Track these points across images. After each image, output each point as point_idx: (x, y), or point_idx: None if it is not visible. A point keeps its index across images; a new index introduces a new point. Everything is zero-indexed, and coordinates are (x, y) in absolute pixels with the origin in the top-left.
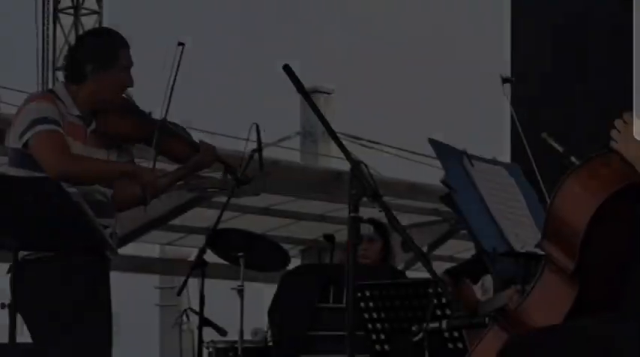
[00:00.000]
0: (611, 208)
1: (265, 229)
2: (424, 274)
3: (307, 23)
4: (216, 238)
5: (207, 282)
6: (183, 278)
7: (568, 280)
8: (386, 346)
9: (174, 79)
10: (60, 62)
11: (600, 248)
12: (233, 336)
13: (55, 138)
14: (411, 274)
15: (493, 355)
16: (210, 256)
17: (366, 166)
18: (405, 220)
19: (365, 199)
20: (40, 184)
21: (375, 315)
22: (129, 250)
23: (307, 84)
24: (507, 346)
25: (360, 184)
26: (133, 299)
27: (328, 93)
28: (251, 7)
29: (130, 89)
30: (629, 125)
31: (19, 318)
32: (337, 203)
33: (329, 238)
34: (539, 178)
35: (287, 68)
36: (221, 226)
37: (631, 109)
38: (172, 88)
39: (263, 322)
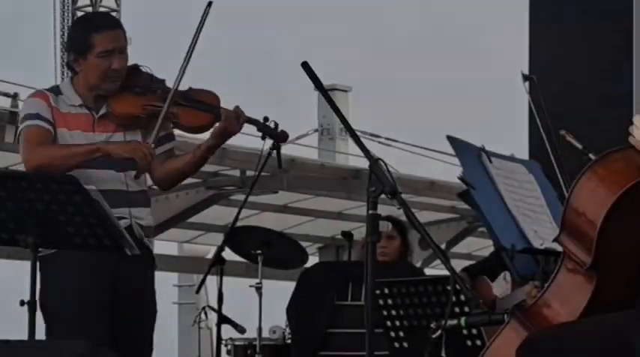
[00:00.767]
0: (628, 202)
1: (283, 226)
2: (442, 272)
3: (325, 21)
4: (235, 236)
5: (226, 280)
6: (201, 276)
7: (585, 275)
8: (405, 344)
9: (197, 38)
10: None
11: (617, 243)
12: (251, 333)
13: (30, 133)
14: (429, 271)
15: (511, 351)
16: (229, 254)
17: (384, 163)
18: (423, 217)
19: (383, 196)
20: (59, 182)
21: (393, 312)
22: None
23: (325, 81)
24: (526, 343)
25: (378, 181)
26: None
27: (346, 90)
28: (272, 4)
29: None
30: None
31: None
32: (355, 201)
33: (347, 235)
34: (558, 175)
35: (306, 66)
36: (239, 224)
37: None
38: (191, 51)
39: (281, 320)
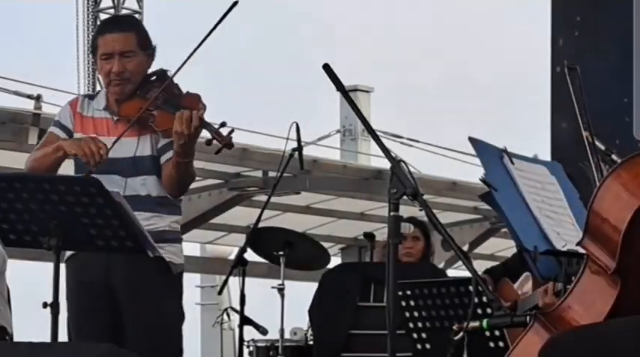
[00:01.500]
0: None
1: (305, 227)
2: (465, 273)
3: (347, 21)
4: (257, 237)
5: (248, 281)
6: (224, 277)
7: (609, 279)
8: (427, 345)
9: (209, 34)
10: None
11: None
12: (273, 335)
13: (43, 139)
14: (451, 272)
15: (534, 353)
16: (251, 255)
17: (406, 164)
18: (445, 218)
19: (405, 197)
20: (81, 184)
21: (415, 314)
22: None
23: (346, 82)
24: (549, 345)
25: (400, 183)
26: None
27: (368, 91)
28: (292, 6)
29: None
30: None
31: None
32: (377, 201)
33: (369, 236)
34: (594, 172)
35: (327, 67)
36: (261, 224)
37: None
38: (198, 46)
39: (303, 321)
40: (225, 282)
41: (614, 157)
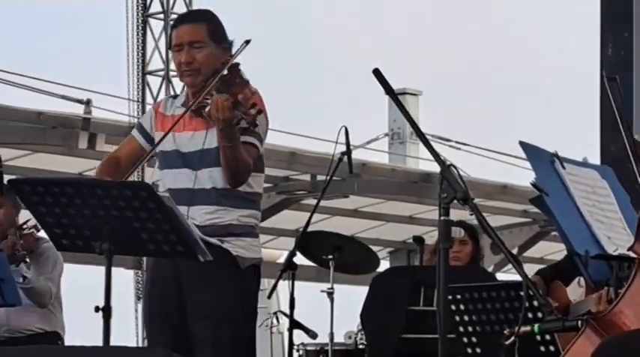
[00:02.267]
0: None
1: (354, 231)
2: (515, 276)
3: (395, 25)
4: (306, 241)
5: (297, 284)
6: (272, 280)
7: None
8: (477, 349)
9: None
10: (150, 67)
11: None
12: (323, 339)
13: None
14: (501, 276)
15: None
16: (299, 259)
17: (456, 168)
18: (494, 221)
19: (455, 201)
20: (133, 189)
21: (466, 318)
22: None
23: (395, 85)
24: (600, 349)
25: (450, 187)
26: None
27: (416, 94)
28: (340, 10)
29: None
30: None
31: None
32: (426, 205)
33: (418, 240)
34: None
35: (377, 72)
36: (309, 228)
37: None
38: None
39: (353, 325)
40: (275, 286)
41: None
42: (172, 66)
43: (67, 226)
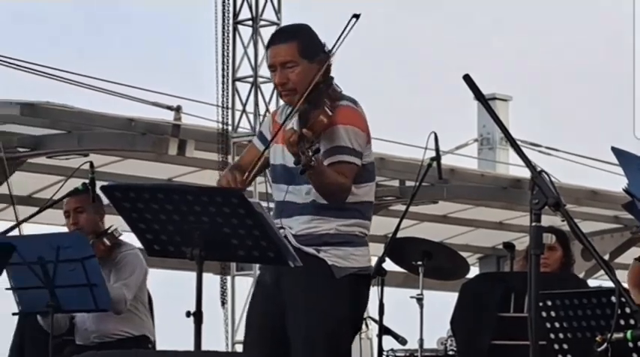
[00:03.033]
0: None
1: (443, 237)
2: (606, 283)
3: (484, 30)
4: (395, 247)
5: (386, 290)
6: None
7: None
8: (568, 356)
9: (336, 48)
10: (239, 73)
11: None
12: (412, 345)
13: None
14: (591, 282)
15: None
16: (388, 265)
17: (547, 174)
18: (585, 227)
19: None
20: (223, 195)
21: (557, 324)
22: None
23: (485, 91)
24: None
25: (541, 193)
26: None
27: (506, 99)
28: (433, 16)
29: None
30: None
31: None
32: (516, 211)
33: (509, 246)
34: None
35: (467, 78)
36: (398, 234)
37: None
38: (327, 61)
39: (443, 331)
40: None
41: None
42: (261, 72)
43: (159, 231)
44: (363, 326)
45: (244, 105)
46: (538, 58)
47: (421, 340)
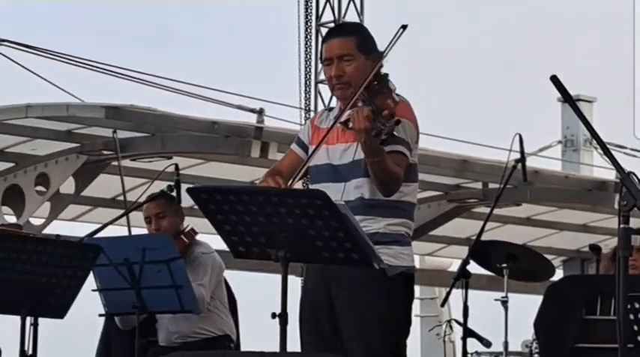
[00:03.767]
0: None
1: (526, 239)
2: None
3: (568, 31)
4: (480, 250)
5: (470, 293)
6: (442, 289)
7: None
8: None
9: (383, 57)
10: (322, 76)
11: None
12: (497, 347)
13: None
14: None
15: None
16: (472, 267)
17: (636, 176)
18: None
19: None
20: (308, 197)
21: None
22: None
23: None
24: None
25: (630, 195)
26: None
27: (591, 101)
28: (511, 18)
29: None
30: None
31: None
32: (600, 213)
33: (595, 249)
34: None
35: (555, 79)
36: (482, 236)
37: None
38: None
39: (528, 334)
40: (448, 294)
41: None
42: None
43: (244, 233)
44: (447, 328)
45: (326, 107)
46: (623, 59)
47: (505, 343)
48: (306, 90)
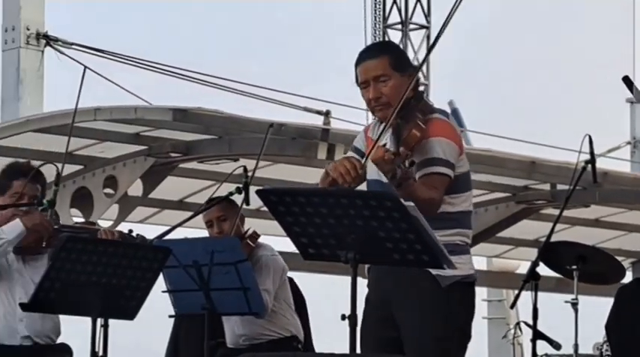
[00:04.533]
0: None
1: (594, 241)
2: None
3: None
4: (549, 251)
5: (539, 295)
6: (510, 291)
7: None
8: None
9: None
10: None
11: None
12: (567, 350)
13: None
14: None
15: None
16: (540, 269)
17: None
18: None
19: None
20: (378, 199)
21: None
22: None
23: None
24: None
25: None
26: None
27: None
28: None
29: None
30: None
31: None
32: None
33: None
34: None
35: (627, 80)
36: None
37: None
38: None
39: (599, 336)
40: (518, 296)
41: None
42: None
43: (313, 235)
44: (517, 331)
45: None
46: None
47: (576, 345)
48: None
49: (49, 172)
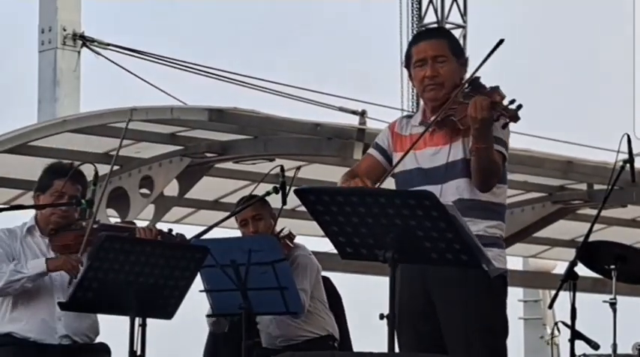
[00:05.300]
0: None
1: (632, 241)
2: None
3: None
4: (587, 251)
5: (577, 295)
6: (546, 291)
7: None
8: None
9: (478, 67)
10: None
11: None
12: (605, 350)
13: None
14: None
15: None
16: (578, 269)
17: None
18: None
19: None
20: (416, 198)
21: None
22: None
23: None
24: None
25: None
26: None
27: None
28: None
29: None
30: None
31: None
32: None
33: None
34: None
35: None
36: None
37: None
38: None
39: (639, 336)
40: (556, 296)
41: None
42: None
43: (352, 234)
44: (555, 331)
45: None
46: None
47: (614, 345)
48: (408, 92)
49: (89, 172)
